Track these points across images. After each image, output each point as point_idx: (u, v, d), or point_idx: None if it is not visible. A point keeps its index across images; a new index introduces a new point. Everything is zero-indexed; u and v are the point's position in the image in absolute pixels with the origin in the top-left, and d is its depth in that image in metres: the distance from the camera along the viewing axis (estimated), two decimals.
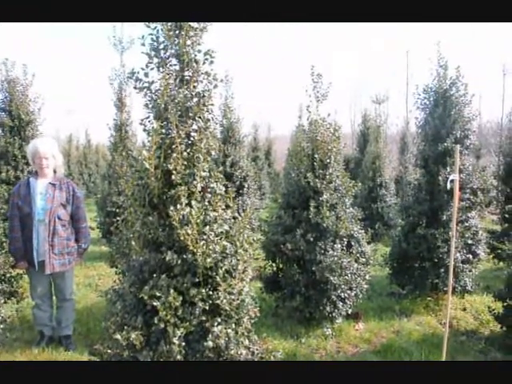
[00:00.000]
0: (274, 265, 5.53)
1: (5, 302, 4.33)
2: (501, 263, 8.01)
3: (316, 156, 5.20)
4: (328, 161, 5.22)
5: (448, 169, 5.82)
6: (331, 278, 4.88)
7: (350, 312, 5.29)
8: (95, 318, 5.39)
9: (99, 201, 9.14)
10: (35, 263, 4.38)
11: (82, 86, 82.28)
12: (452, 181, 3.71)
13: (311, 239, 5.00)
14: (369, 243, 5.64)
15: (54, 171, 4.58)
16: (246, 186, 8.99)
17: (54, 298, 4.86)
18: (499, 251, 7.88)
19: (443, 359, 3.93)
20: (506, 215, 8.59)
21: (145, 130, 2.79)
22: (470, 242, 6.03)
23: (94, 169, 22.89)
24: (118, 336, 2.51)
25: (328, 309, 5.04)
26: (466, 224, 6.05)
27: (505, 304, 4.83)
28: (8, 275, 4.43)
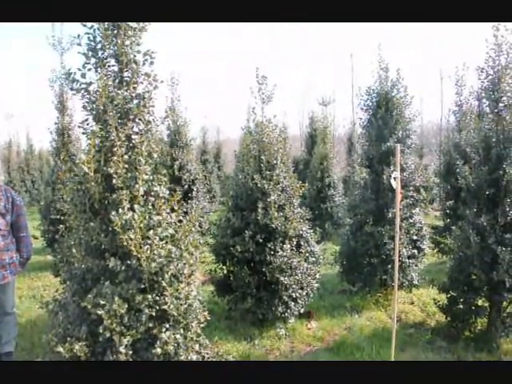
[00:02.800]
0: (224, 268, 5.49)
1: None
2: (444, 257, 8.34)
3: (263, 157, 5.22)
4: (275, 162, 5.26)
5: (391, 168, 5.99)
6: (282, 279, 4.91)
7: (302, 311, 5.34)
8: (40, 332, 5.12)
9: (42, 208, 8.76)
10: None
11: (21, 89, 78.96)
12: (394, 178, 3.81)
13: (260, 240, 5.01)
14: (318, 243, 5.72)
15: None
16: (195, 189, 8.89)
17: None
18: (442, 245, 8.22)
19: (392, 352, 4.02)
20: (447, 211, 8.96)
21: (84, 133, 2.69)
22: (415, 237, 6.23)
23: (38, 175, 21.91)
24: (60, 348, 2.40)
25: (280, 309, 5.06)
26: (411, 220, 6.25)
27: (448, 295, 5.03)
28: None
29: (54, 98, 8.19)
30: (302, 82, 71.41)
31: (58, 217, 7.80)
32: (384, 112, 6.20)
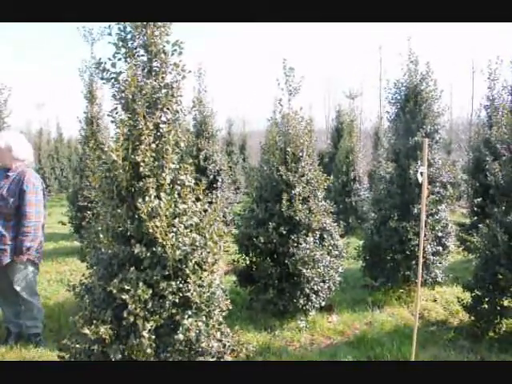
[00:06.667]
0: (247, 258, 5.53)
1: None
2: (470, 255, 8.20)
3: (288, 149, 5.21)
4: (300, 154, 5.25)
5: (419, 162, 5.91)
6: (304, 271, 4.91)
7: (323, 304, 5.33)
8: (67, 314, 5.26)
9: (70, 195, 8.98)
10: None
11: (52, 79, 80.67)
12: (421, 173, 3.76)
13: (284, 232, 5.01)
14: (342, 236, 5.69)
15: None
16: (220, 180, 8.95)
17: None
18: (468, 243, 8.06)
19: (413, 349, 3.99)
20: (475, 208, 8.79)
21: (113, 122, 2.75)
22: (440, 234, 6.14)
23: (67, 163, 22.42)
24: (86, 330, 2.47)
25: (301, 301, 5.07)
26: (436, 217, 6.15)
27: (473, 294, 4.94)
28: None
29: (84, 87, 8.35)
30: (328, 75, 70.80)
31: (85, 204, 7.98)
32: (412, 106, 6.11)
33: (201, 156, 8.79)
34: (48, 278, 6.87)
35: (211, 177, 8.82)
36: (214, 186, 8.81)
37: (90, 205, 7.80)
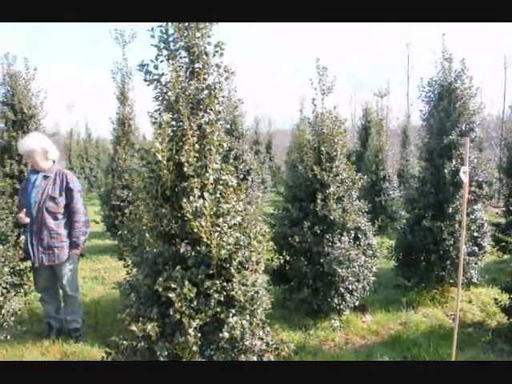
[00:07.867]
0: (280, 257, 5.54)
1: (15, 295, 4.33)
2: (504, 255, 8.03)
3: (322, 149, 5.20)
4: (334, 154, 5.22)
5: (453, 162, 5.82)
6: (339, 270, 4.89)
7: (356, 304, 5.31)
8: (103, 311, 5.41)
9: (103, 195, 9.15)
10: (31, 256, 4.42)
11: (81, 80, 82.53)
12: (464, 172, 3.72)
13: (318, 231, 5.01)
14: (374, 236, 5.65)
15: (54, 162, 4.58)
16: (250, 179, 8.96)
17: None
18: (504, 244, 7.89)
19: (453, 351, 3.93)
20: (511, 208, 8.60)
21: (154, 123, 2.78)
22: (475, 234, 6.03)
23: (95, 163, 22.90)
24: (133, 327, 2.52)
25: (336, 301, 5.05)
26: (472, 217, 6.04)
27: (511, 296, 4.84)
28: (17, 268, 4.43)
29: (116, 89, 8.50)
30: (354, 73, 70.26)
31: (118, 203, 8.13)
32: (447, 104, 6.00)
33: (231, 155, 8.81)
34: (83, 276, 7.02)
35: (241, 176, 8.83)
36: (245, 185, 8.82)
37: (122, 204, 7.98)
